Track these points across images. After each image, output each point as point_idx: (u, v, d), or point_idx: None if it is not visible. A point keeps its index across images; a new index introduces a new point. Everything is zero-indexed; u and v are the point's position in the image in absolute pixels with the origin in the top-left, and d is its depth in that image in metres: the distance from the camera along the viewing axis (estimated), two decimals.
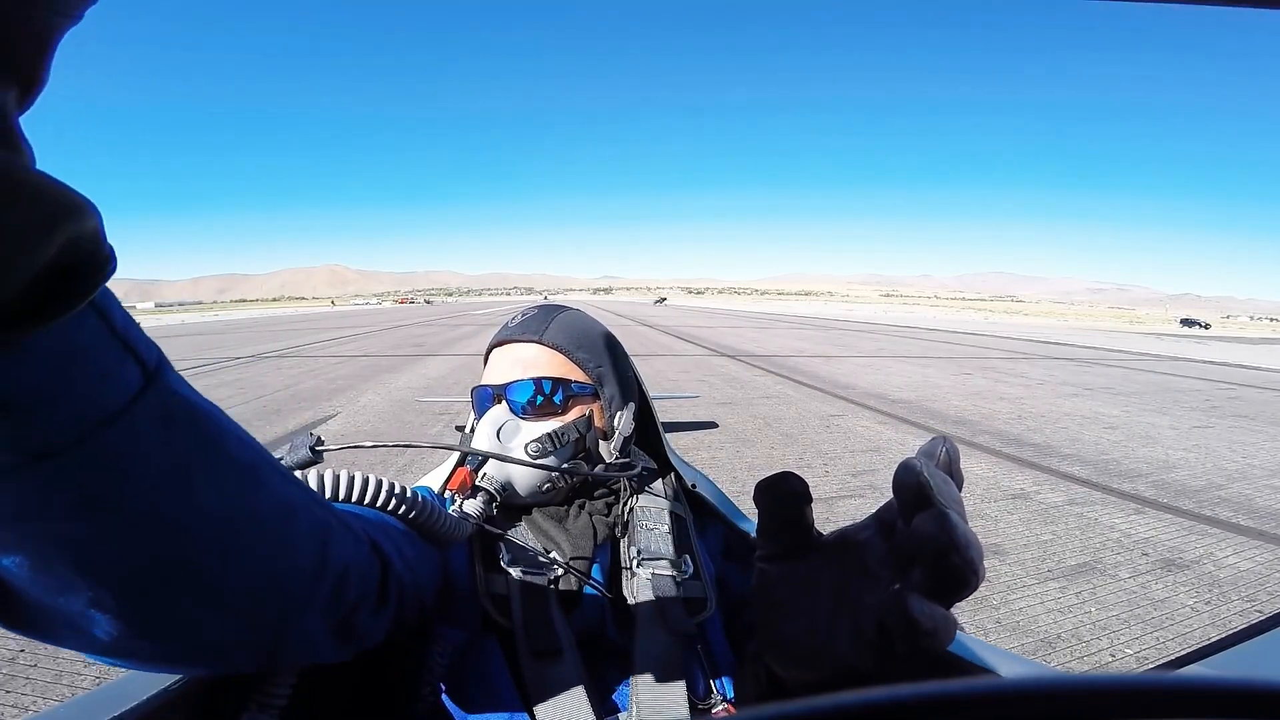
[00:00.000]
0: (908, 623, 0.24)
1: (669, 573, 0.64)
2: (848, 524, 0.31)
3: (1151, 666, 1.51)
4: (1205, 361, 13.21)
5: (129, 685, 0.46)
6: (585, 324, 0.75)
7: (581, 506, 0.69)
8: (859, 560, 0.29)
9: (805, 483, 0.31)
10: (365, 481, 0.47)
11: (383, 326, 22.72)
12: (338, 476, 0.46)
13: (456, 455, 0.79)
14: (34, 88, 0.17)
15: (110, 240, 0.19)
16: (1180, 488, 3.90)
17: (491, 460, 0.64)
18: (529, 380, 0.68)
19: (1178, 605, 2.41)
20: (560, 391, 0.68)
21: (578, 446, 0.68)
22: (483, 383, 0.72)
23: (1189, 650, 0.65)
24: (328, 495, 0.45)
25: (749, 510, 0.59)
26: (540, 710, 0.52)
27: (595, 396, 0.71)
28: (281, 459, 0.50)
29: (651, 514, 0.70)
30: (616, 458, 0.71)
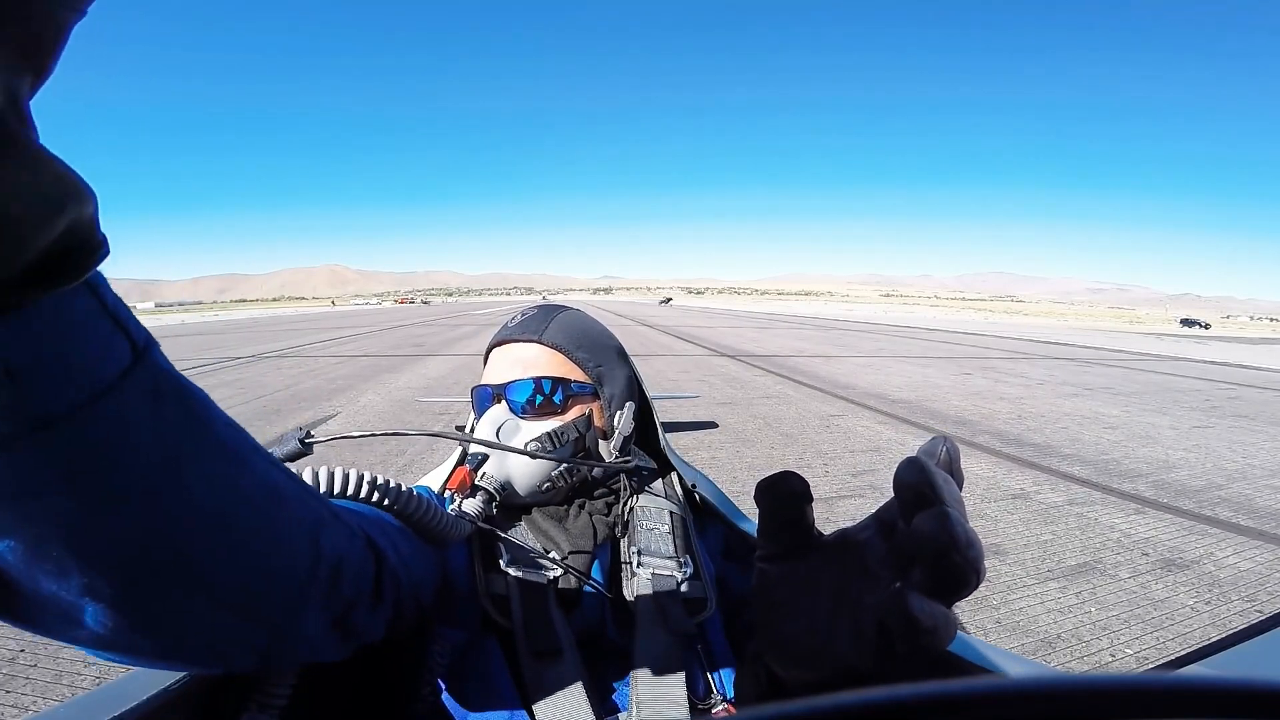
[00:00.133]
0: (908, 622, 0.24)
1: (669, 572, 0.64)
2: (848, 524, 0.31)
3: (1151, 666, 1.51)
4: (1205, 361, 13.21)
5: (129, 685, 0.46)
6: (585, 324, 0.75)
7: (581, 506, 0.69)
8: (859, 560, 0.29)
9: (806, 482, 0.31)
10: (359, 477, 0.47)
11: (383, 326, 22.72)
12: (331, 472, 0.46)
13: (456, 455, 0.79)
14: (43, 76, 0.17)
15: (104, 229, 0.20)
16: (1180, 488, 3.89)
17: (491, 459, 0.64)
18: (529, 380, 0.68)
19: (1178, 605, 2.41)
20: (560, 391, 0.68)
21: (577, 446, 0.68)
22: (482, 382, 0.72)
23: (1189, 650, 0.65)
24: (321, 490, 0.45)
25: (749, 510, 0.59)
26: (540, 710, 0.52)
27: (595, 396, 0.71)
28: (272, 453, 0.50)
29: (651, 514, 0.70)
30: (616, 457, 0.71)
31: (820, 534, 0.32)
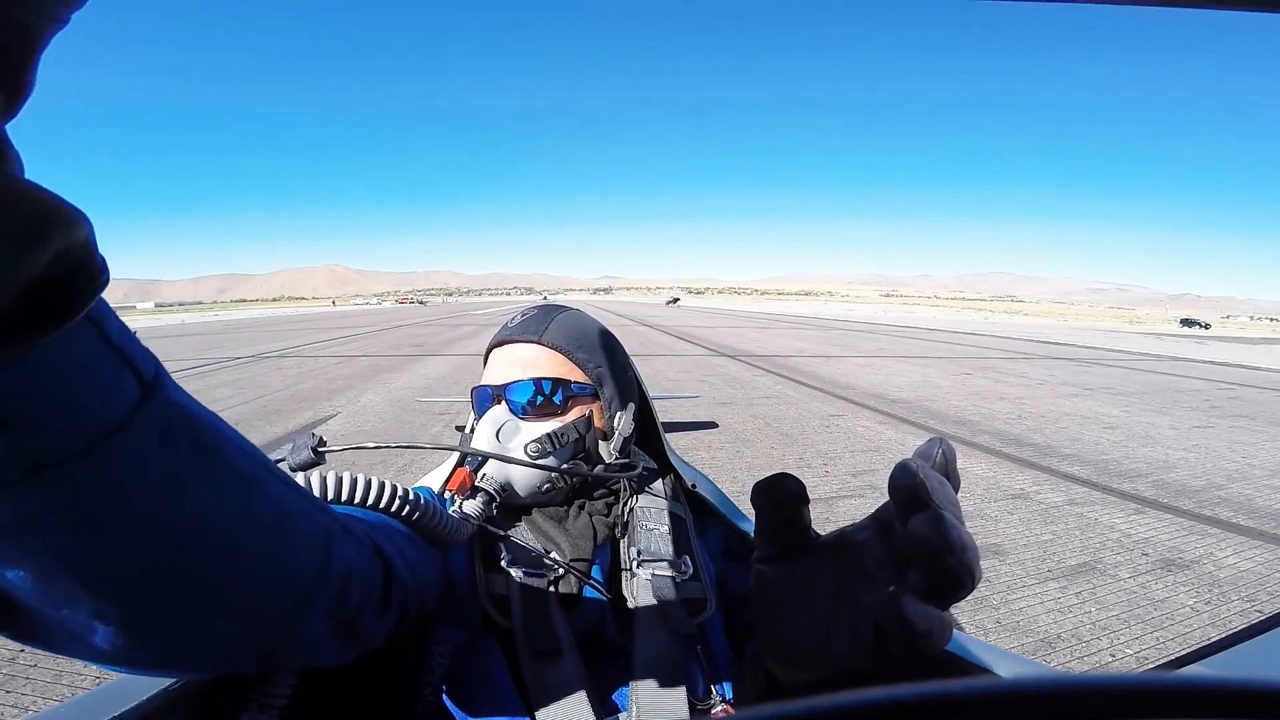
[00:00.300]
0: (903, 625, 0.24)
1: (669, 573, 0.64)
2: (848, 524, 0.31)
3: (1151, 666, 1.51)
4: (1205, 361, 13.21)
5: (129, 685, 0.46)
6: (585, 324, 0.75)
7: (581, 507, 0.69)
8: (857, 560, 0.29)
9: (802, 484, 0.31)
10: (367, 484, 0.47)
11: (383, 326, 22.73)
12: (340, 479, 0.46)
13: (456, 456, 0.79)
14: (20, 95, 0.16)
15: (103, 251, 0.19)
16: (1180, 488, 3.90)
17: (491, 460, 0.64)
18: (529, 380, 0.68)
19: (1178, 605, 2.41)
20: (560, 392, 0.68)
21: (577, 447, 0.68)
22: (482, 383, 0.72)
23: (1189, 650, 0.65)
24: (329, 498, 0.45)
25: (749, 510, 0.59)
26: (540, 710, 0.52)
27: (595, 397, 0.71)
28: (283, 460, 0.50)
29: (651, 514, 0.70)
30: (616, 458, 0.71)
31: (818, 535, 0.32)
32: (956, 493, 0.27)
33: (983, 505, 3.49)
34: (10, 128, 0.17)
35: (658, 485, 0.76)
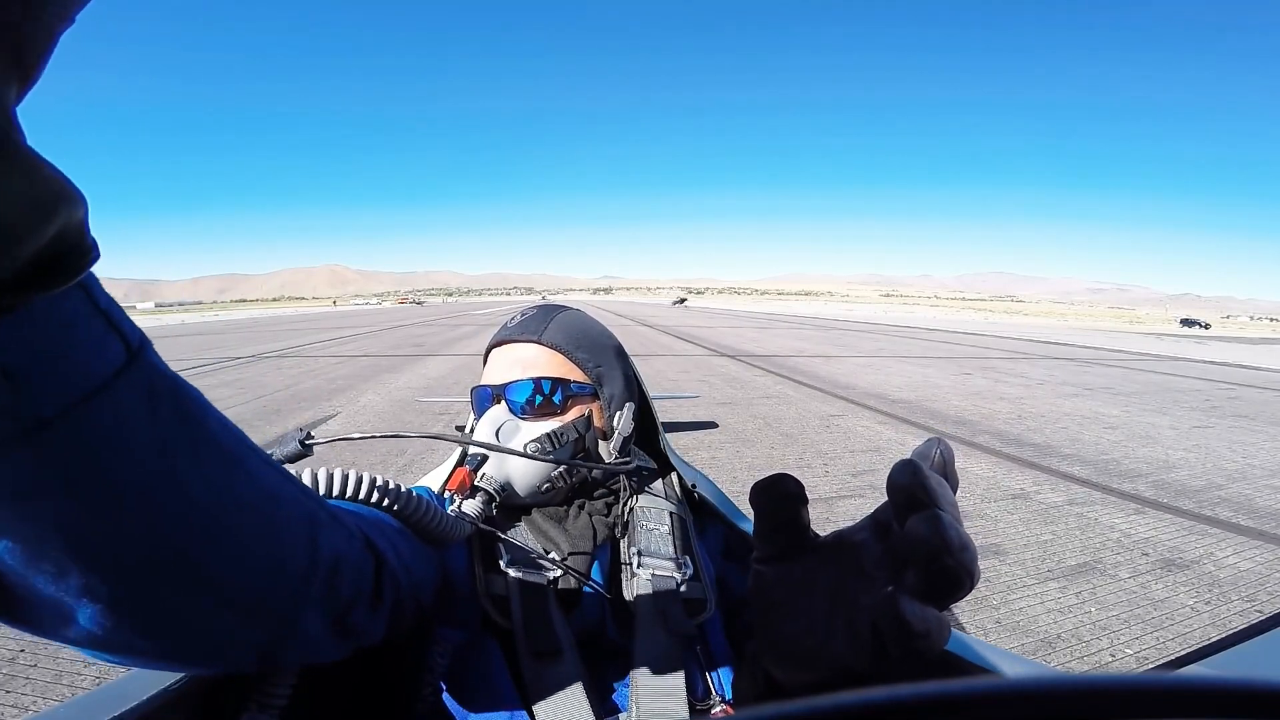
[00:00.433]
0: (900, 625, 0.24)
1: (669, 573, 0.64)
2: (848, 524, 0.31)
3: (1151, 666, 1.51)
4: (1205, 361, 13.20)
5: (129, 685, 0.46)
6: (584, 324, 0.75)
7: (581, 507, 0.69)
8: (855, 560, 0.29)
9: (800, 484, 0.31)
10: (359, 478, 0.46)
11: (383, 326, 22.73)
12: (331, 473, 0.46)
13: (456, 456, 0.79)
14: (29, 82, 0.17)
15: (103, 251, 0.21)
16: (1180, 488, 3.89)
17: (491, 460, 0.64)
18: (528, 380, 0.68)
19: (1178, 605, 2.41)
20: (559, 391, 0.68)
21: (577, 446, 0.68)
22: (482, 383, 0.72)
23: (1189, 650, 0.65)
24: (321, 491, 0.45)
25: (749, 510, 0.60)
26: (540, 710, 0.52)
27: (595, 396, 0.71)
28: (271, 454, 0.50)
29: (651, 514, 0.70)
30: (616, 458, 0.71)
31: (816, 535, 0.32)
32: (954, 493, 0.27)
33: (983, 505, 3.49)
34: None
35: (658, 485, 0.76)
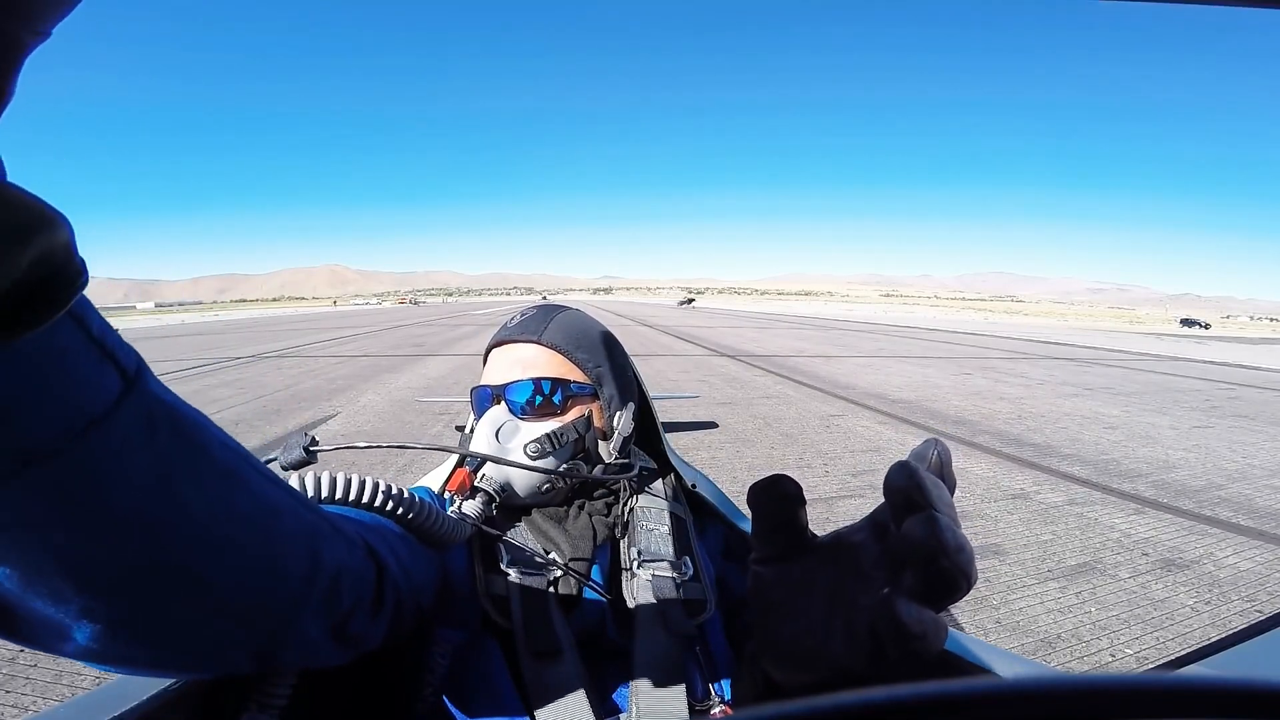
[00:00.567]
0: (896, 626, 0.24)
1: (669, 574, 0.64)
2: (848, 524, 0.31)
3: (1151, 666, 1.51)
4: (1205, 361, 13.21)
5: (129, 685, 0.46)
6: (584, 324, 0.75)
7: (581, 507, 0.69)
8: (853, 561, 0.29)
9: (798, 485, 0.31)
10: (361, 484, 0.46)
11: (383, 326, 22.73)
12: (334, 479, 0.45)
13: (455, 456, 0.79)
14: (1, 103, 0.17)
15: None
16: (1180, 488, 3.90)
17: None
18: (528, 380, 0.68)
19: (1178, 605, 2.41)
20: (559, 392, 0.68)
21: (577, 447, 0.68)
22: (482, 383, 0.72)
23: (1189, 650, 0.65)
24: (320, 497, 0.45)
25: (749, 511, 0.60)
26: (540, 711, 0.52)
27: (594, 396, 0.71)
28: (275, 459, 0.50)
29: (651, 514, 0.70)
30: (616, 458, 0.71)
31: (815, 536, 0.32)
32: (952, 494, 0.26)
33: (983, 505, 3.49)
34: None
35: (658, 485, 0.76)
